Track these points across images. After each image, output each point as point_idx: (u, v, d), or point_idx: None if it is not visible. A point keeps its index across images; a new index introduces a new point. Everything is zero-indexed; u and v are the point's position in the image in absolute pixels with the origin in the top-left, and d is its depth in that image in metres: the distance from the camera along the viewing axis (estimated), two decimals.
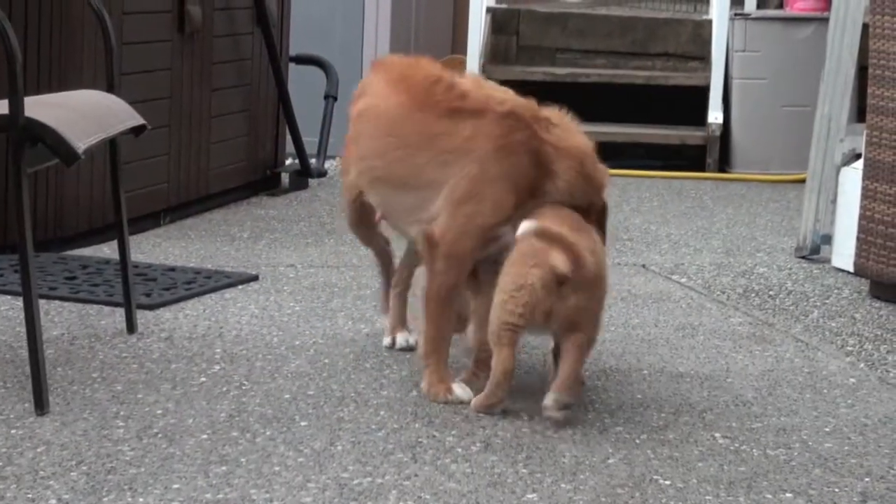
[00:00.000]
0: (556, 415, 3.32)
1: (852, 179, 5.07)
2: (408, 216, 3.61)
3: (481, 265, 3.49)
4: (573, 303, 3.27)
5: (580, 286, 3.27)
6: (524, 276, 3.25)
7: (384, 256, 4.04)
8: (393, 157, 3.57)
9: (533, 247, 3.30)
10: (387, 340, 3.94)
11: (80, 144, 3.46)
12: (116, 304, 4.20)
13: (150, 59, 5.45)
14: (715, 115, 7.49)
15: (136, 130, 3.85)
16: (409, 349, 3.87)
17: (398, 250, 4.00)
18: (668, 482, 3.03)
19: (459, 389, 3.48)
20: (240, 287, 4.62)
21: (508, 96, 3.56)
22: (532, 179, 3.42)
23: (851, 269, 4.98)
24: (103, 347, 3.87)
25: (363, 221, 3.95)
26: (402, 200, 3.62)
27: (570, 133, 3.48)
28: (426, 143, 3.51)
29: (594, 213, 3.49)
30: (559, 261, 3.25)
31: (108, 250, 4.98)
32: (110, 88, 4.00)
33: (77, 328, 4.06)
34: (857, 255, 4.87)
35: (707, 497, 2.96)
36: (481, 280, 3.50)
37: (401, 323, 3.95)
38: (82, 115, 3.63)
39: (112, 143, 3.95)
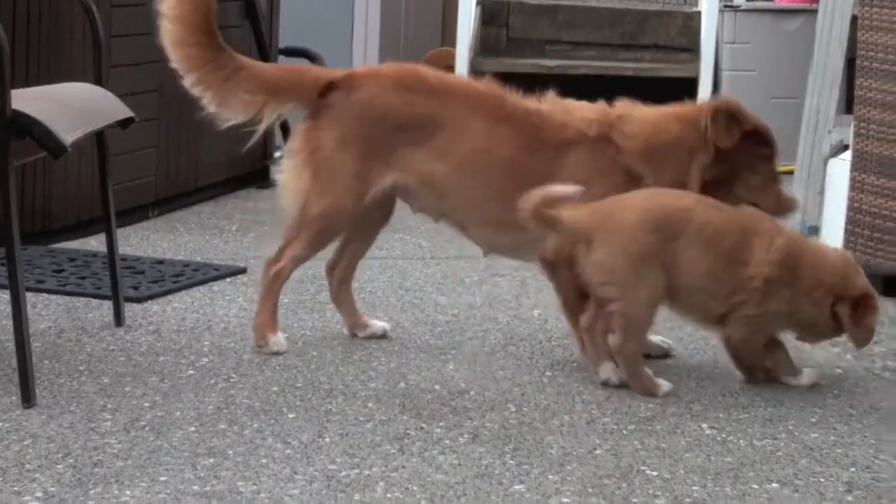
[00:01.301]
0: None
1: (840, 171, 5.07)
2: (512, 252, 3.90)
3: None
4: None
5: None
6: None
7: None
8: (510, 198, 3.58)
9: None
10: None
11: (68, 137, 3.46)
12: (104, 297, 4.20)
13: (138, 52, 5.44)
14: None
15: (124, 123, 3.85)
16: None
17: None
18: (655, 473, 3.04)
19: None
20: (228, 280, 4.62)
21: (588, 113, 3.75)
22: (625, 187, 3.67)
23: None
24: (91, 340, 3.87)
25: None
26: (508, 239, 3.76)
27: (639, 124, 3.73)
28: (540, 181, 3.58)
29: None
30: None
31: (96, 243, 4.98)
32: (98, 81, 4.00)
33: (64, 321, 4.06)
34: (845, 245, 4.88)
35: (694, 487, 2.97)
36: None
37: None
38: (70, 107, 3.63)
39: (100, 136, 3.95)
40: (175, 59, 3.82)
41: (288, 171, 3.82)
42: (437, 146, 3.73)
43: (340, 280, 4.02)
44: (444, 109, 3.74)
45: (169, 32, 3.79)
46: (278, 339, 3.80)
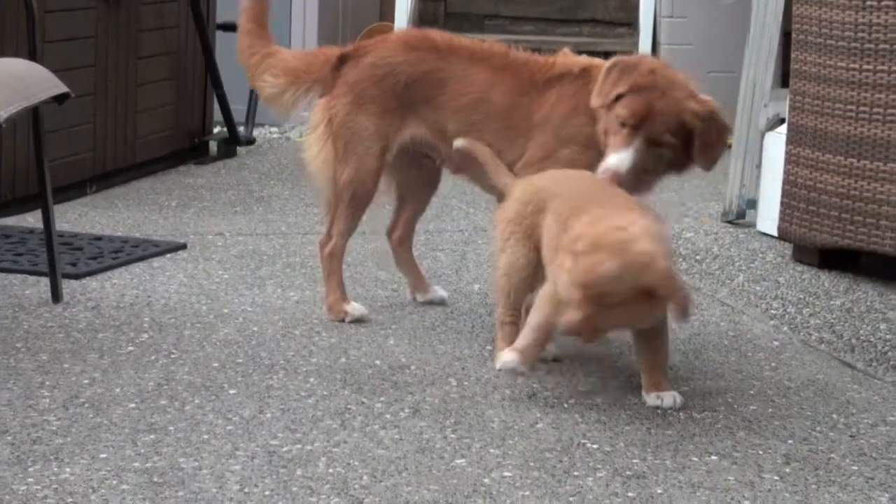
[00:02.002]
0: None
1: (776, 144, 5.12)
2: None
3: None
4: None
5: None
6: None
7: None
8: (511, 140, 3.77)
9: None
10: None
11: (2, 113, 3.42)
12: (41, 274, 4.17)
13: (73, 27, 5.39)
14: None
15: (59, 99, 3.81)
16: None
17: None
18: (595, 446, 3.06)
19: None
20: (168, 256, 4.59)
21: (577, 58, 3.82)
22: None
23: (776, 234, 5.03)
24: (28, 317, 3.84)
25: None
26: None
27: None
28: (529, 119, 3.74)
29: None
30: None
31: (33, 220, 4.93)
32: (32, 56, 3.96)
33: (0, 298, 4.02)
34: (781, 219, 4.93)
35: (634, 460, 2.99)
36: None
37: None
38: (3, 83, 3.59)
39: (35, 112, 3.91)
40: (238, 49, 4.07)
41: (311, 145, 3.94)
42: (445, 98, 3.83)
43: (399, 242, 4.13)
44: (450, 64, 3.84)
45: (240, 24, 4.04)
46: (354, 306, 3.93)
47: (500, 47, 3.90)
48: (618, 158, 3.51)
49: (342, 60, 3.92)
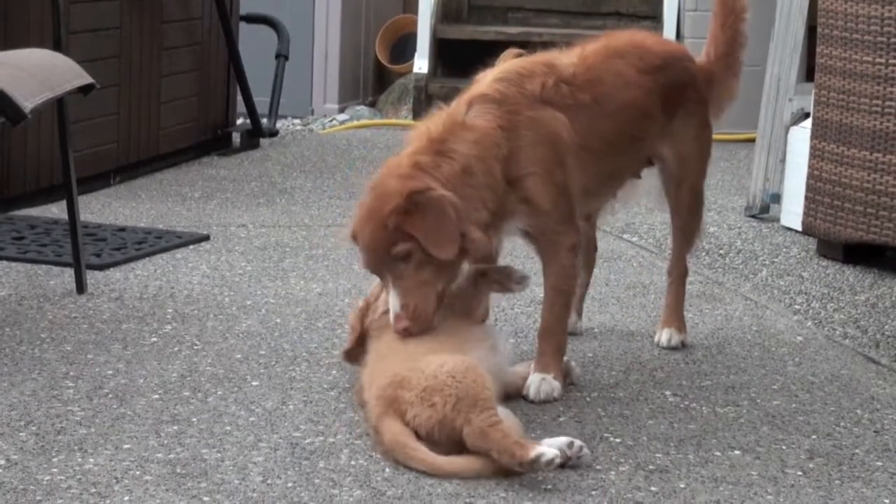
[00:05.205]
0: None
1: (801, 139, 5.10)
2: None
3: None
4: None
5: None
6: None
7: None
8: None
9: None
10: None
11: (27, 104, 3.43)
12: (65, 265, 4.18)
13: (98, 18, 5.40)
14: None
15: (85, 90, 3.82)
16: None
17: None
18: (618, 440, 3.06)
19: None
20: (191, 247, 4.60)
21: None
22: None
23: (800, 228, 5.02)
24: (52, 308, 3.85)
25: None
26: None
27: None
28: None
29: None
30: None
31: (57, 210, 4.94)
32: (57, 47, 3.97)
33: (25, 288, 4.03)
34: (805, 214, 4.91)
35: (657, 454, 2.98)
36: None
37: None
38: (29, 73, 3.60)
39: (60, 103, 3.92)
40: None
41: None
42: None
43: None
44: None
45: None
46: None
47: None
48: (391, 305, 3.14)
49: None
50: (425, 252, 3.09)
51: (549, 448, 2.77)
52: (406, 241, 3.09)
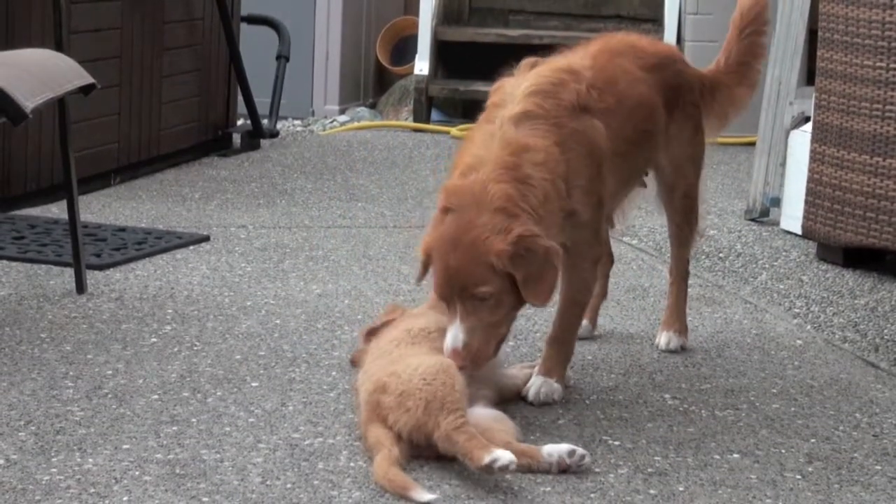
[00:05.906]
0: None
1: (801, 142, 5.10)
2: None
3: None
4: None
5: None
6: None
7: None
8: None
9: None
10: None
11: (28, 103, 3.43)
12: (65, 265, 4.18)
13: (99, 18, 5.40)
14: None
15: (85, 89, 3.82)
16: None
17: None
18: (617, 443, 3.06)
19: None
20: (191, 247, 4.60)
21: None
22: None
23: (800, 232, 5.02)
24: (52, 308, 3.85)
25: None
26: None
27: None
28: None
29: None
30: None
31: (57, 210, 4.94)
32: (59, 47, 3.97)
33: (25, 288, 4.03)
34: (805, 217, 4.91)
35: (656, 457, 2.99)
36: None
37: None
38: (30, 73, 3.60)
39: (61, 103, 3.92)
40: None
41: None
42: None
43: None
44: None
45: None
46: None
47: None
48: (450, 337, 3.05)
49: None
50: (510, 296, 3.05)
51: (504, 452, 2.74)
52: (493, 283, 3.03)
